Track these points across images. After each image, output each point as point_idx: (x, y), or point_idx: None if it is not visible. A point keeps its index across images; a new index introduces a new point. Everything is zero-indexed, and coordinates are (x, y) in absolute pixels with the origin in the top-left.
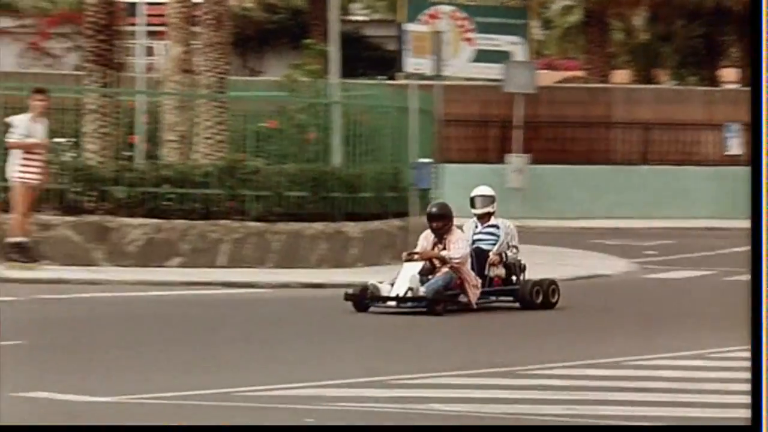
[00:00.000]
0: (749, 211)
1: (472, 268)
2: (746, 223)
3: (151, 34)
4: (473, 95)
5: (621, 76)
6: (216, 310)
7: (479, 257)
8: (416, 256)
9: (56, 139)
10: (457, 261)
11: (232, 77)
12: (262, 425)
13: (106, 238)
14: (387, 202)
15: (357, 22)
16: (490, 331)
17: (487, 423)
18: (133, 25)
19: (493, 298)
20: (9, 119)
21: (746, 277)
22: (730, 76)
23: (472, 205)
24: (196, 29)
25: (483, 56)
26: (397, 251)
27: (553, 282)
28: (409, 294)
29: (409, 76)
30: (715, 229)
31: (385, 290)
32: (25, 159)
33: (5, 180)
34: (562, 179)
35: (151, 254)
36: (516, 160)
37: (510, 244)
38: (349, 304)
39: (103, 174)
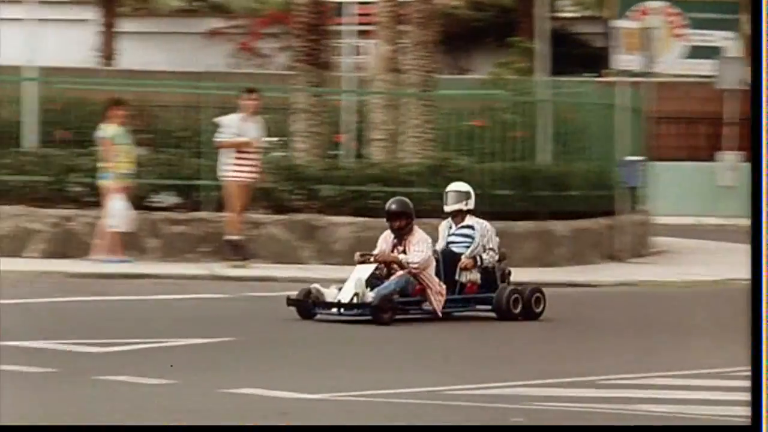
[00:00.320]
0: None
1: (438, 274)
2: None
3: (359, 34)
4: (683, 92)
5: None
6: None
7: (449, 261)
8: (371, 259)
9: (266, 138)
10: (415, 266)
11: (439, 75)
12: (464, 425)
13: (315, 236)
14: (594, 200)
15: (565, 18)
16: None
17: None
18: (340, 24)
19: (465, 306)
20: (218, 119)
21: None
22: None
23: (444, 202)
24: (404, 28)
25: (694, 52)
26: (605, 250)
27: (536, 289)
28: (355, 300)
29: (618, 73)
30: None
31: (331, 295)
32: (237, 158)
33: (218, 179)
34: None
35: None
36: (728, 157)
37: (487, 246)
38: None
39: (312, 173)
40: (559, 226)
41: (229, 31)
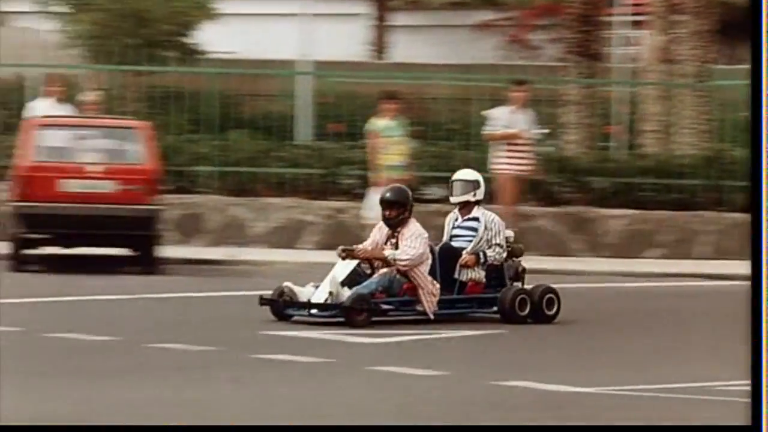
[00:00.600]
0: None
1: (433, 271)
2: None
3: (632, 24)
4: None
5: None
6: (692, 301)
7: (448, 257)
8: (355, 253)
9: (537, 130)
10: (403, 263)
11: (715, 66)
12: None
13: (585, 228)
14: None
15: None
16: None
17: None
18: (612, 15)
19: (466, 307)
20: (487, 111)
21: None
22: None
23: (449, 192)
24: (679, 18)
25: None
26: None
27: (549, 290)
28: (330, 300)
29: None
30: None
31: (306, 294)
32: (508, 150)
33: (488, 172)
34: None
35: (630, 245)
36: None
37: (493, 241)
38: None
39: (583, 165)
40: None
41: (499, 23)
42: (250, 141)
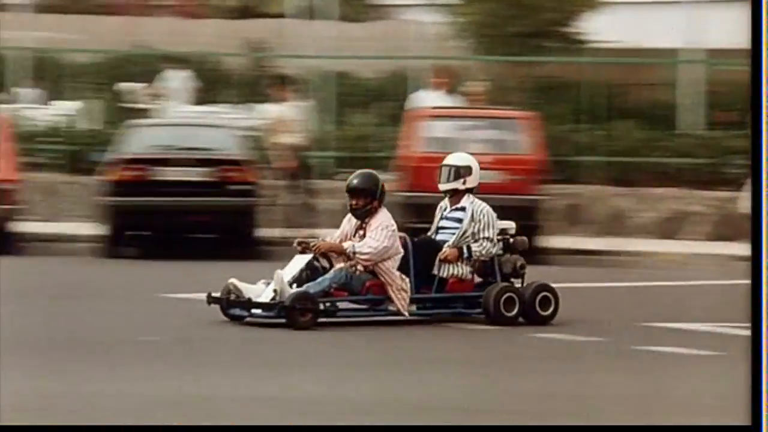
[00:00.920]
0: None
1: (405, 266)
2: None
3: None
4: None
5: None
6: None
7: (426, 251)
8: (310, 246)
9: None
10: (364, 257)
11: None
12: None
13: None
14: None
15: None
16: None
17: None
18: None
19: (446, 306)
20: None
21: None
22: None
23: (437, 179)
24: None
25: None
26: None
27: (543, 287)
28: (276, 298)
29: None
30: None
31: (254, 292)
32: None
33: None
34: None
35: None
36: None
37: (480, 235)
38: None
39: None
40: None
41: None
42: (633, 131)
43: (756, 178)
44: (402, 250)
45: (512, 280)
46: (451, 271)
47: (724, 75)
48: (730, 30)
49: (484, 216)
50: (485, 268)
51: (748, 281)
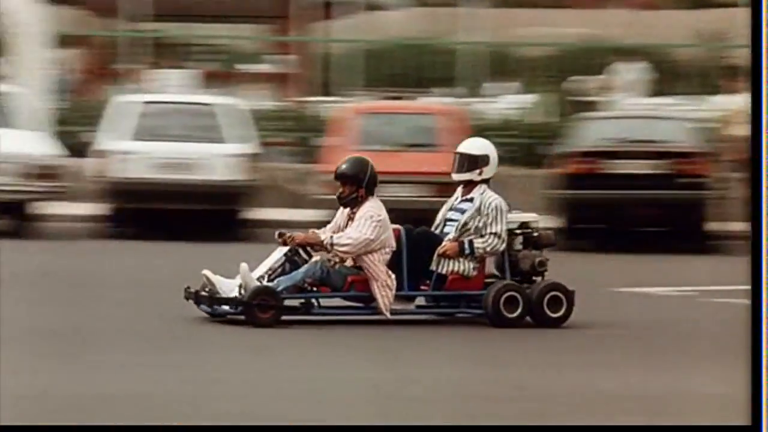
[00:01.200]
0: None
1: (397, 262)
2: None
3: None
4: None
5: None
6: None
7: (422, 244)
8: (287, 238)
9: None
10: (342, 249)
11: None
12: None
13: None
14: None
15: None
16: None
17: None
18: None
19: (443, 305)
20: None
21: None
22: None
23: (452, 167)
24: None
25: None
26: None
27: (554, 287)
28: (242, 293)
29: None
30: None
31: (227, 286)
32: None
33: None
34: None
35: None
36: None
37: (487, 230)
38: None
39: None
40: None
41: None
42: None
43: (756, 177)
44: (393, 244)
45: (533, 278)
46: (450, 267)
47: None
48: None
49: (492, 210)
50: (502, 264)
51: None
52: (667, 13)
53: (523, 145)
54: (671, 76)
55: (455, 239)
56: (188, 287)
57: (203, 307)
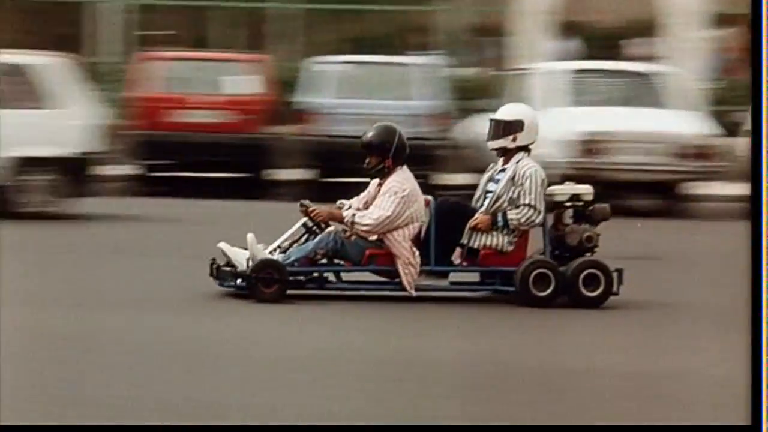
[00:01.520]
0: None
1: (425, 236)
2: None
3: None
4: None
5: None
6: None
7: (453, 217)
8: (309, 210)
9: None
10: (363, 228)
11: None
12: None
13: None
14: None
15: None
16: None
17: None
18: None
19: (476, 282)
20: None
21: None
22: None
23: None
24: None
25: None
26: None
27: (591, 264)
28: (250, 266)
29: None
30: None
31: (240, 257)
32: None
33: None
34: None
35: None
36: None
37: (521, 201)
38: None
39: None
40: None
41: None
42: None
43: (756, 178)
44: (423, 218)
45: (582, 254)
46: (483, 241)
47: None
48: None
49: (528, 180)
50: (547, 239)
51: None
52: None
53: None
54: None
55: (489, 212)
56: (213, 260)
57: (216, 281)
